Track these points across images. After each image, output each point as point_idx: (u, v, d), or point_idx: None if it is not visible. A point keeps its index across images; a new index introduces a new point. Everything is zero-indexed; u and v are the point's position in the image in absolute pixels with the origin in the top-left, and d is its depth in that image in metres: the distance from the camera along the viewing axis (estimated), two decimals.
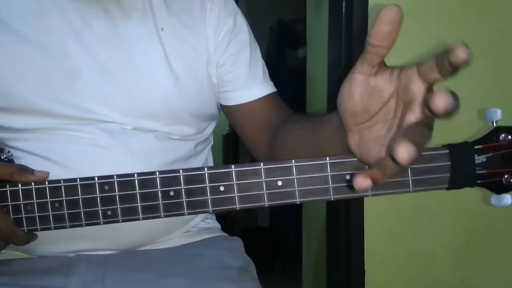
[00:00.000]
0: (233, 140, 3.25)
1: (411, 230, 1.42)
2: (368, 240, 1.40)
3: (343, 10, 1.35)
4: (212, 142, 0.93)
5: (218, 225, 0.94)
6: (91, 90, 0.74)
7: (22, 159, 0.72)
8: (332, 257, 1.51)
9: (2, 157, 0.72)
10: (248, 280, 0.79)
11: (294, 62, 2.93)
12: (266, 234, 3.13)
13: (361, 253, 1.41)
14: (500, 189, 0.60)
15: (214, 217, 0.94)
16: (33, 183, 0.66)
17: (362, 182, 0.43)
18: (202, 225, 0.89)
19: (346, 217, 1.41)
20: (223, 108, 0.88)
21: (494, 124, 0.59)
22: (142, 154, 0.75)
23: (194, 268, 0.78)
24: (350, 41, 1.34)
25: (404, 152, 0.40)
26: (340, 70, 1.38)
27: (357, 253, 1.41)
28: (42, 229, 0.67)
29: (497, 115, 0.59)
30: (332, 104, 1.41)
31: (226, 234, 0.92)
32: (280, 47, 3.10)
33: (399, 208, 1.41)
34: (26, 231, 0.68)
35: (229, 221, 3.04)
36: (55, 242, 0.75)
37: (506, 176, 0.59)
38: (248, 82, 0.85)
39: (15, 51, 0.74)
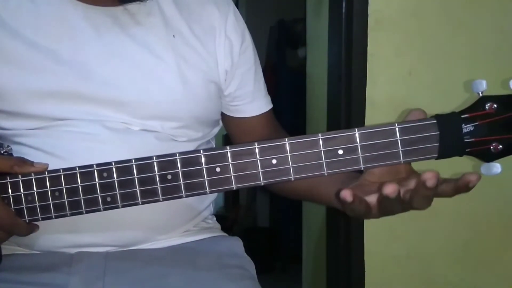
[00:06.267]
0: None
1: (411, 230, 1.42)
2: (368, 240, 1.40)
3: (343, 10, 1.35)
4: (213, 144, 0.94)
5: (218, 225, 0.94)
6: (100, 96, 0.76)
7: (27, 155, 0.73)
8: (332, 257, 1.51)
9: (2, 151, 0.72)
10: (247, 279, 0.80)
11: (294, 62, 2.93)
12: (266, 234, 3.12)
13: (361, 253, 1.40)
14: (489, 157, 0.61)
15: (214, 217, 0.95)
16: (33, 174, 0.67)
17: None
18: (202, 225, 0.89)
19: (346, 217, 1.41)
20: (223, 116, 0.91)
21: (480, 95, 0.61)
22: (145, 153, 0.76)
23: (194, 267, 0.78)
24: (350, 41, 1.35)
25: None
26: (340, 70, 1.38)
27: (357, 253, 1.40)
28: (43, 219, 0.68)
29: (483, 86, 0.60)
30: (332, 104, 1.41)
31: (226, 234, 0.92)
32: (280, 47, 3.09)
33: None
34: (27, 221, 0.68)
35: (229, 221, 3.04)
36: (56, 236, 0.76)
37: (494, 144, 0.60)
38: (254, 97, 0.89)
39: (26, 58, 0.75)
